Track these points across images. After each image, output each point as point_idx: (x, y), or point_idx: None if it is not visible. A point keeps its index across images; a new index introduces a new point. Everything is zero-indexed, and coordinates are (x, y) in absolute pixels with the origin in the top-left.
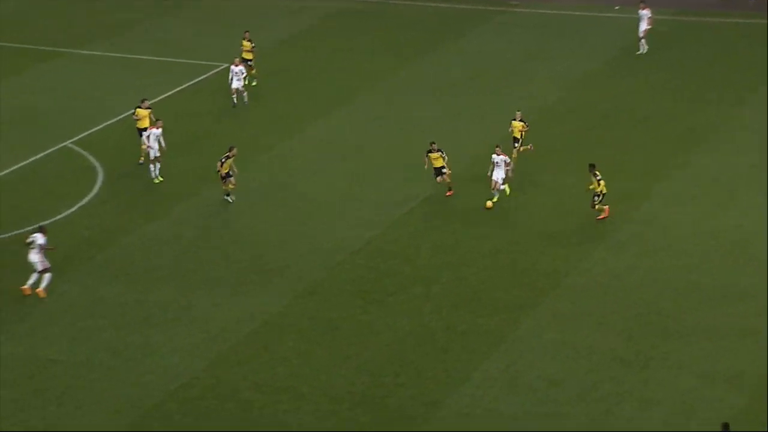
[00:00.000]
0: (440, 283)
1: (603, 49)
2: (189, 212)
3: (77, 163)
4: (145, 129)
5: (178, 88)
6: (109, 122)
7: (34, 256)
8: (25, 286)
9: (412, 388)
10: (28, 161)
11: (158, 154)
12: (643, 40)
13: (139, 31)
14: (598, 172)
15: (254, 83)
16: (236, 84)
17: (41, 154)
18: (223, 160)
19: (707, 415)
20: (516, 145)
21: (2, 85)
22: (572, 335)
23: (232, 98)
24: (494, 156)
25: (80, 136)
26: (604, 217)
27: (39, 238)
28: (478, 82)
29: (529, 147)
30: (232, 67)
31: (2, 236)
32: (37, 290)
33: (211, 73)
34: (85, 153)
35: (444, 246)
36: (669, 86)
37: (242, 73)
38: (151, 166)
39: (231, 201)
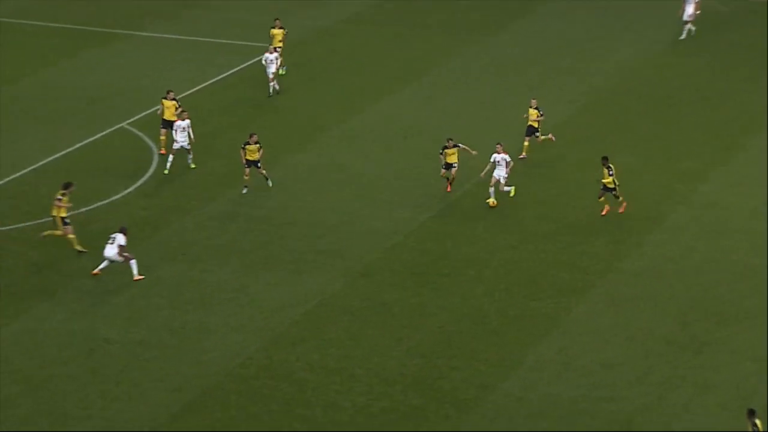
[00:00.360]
0: (494, 265)
1: (665, 31)
2: (248, 193)
3: (134, 144)
4: (170, 122)
5: (236, 69)
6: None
7: (110, 251)
8: (96, 271)
9: (464, 370)
10: (86, 141)
11: (188, 147)
12: (689, 25)
13: (197, 12)
14: (611, 165)
15: (283, 71)
16: (271, 71)
17: (99, 135)
18: (244, 146)
19: (764, 400)
20: (536, 134)
21: (62, 66)
22: (627, 319)
23: (269, 86)
24: (495, 155)
25: (137, 117)
26: (622, 212)
27: (120, 239)
28: (538, 64)
29: (549, 137)
30: (267, 54)
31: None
32: (135, 279)
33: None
34: (141, 134)
35: (498, 228)
36: (729, 67)
37: (276, 60)
38: (169, 156)
39: (270, 184)
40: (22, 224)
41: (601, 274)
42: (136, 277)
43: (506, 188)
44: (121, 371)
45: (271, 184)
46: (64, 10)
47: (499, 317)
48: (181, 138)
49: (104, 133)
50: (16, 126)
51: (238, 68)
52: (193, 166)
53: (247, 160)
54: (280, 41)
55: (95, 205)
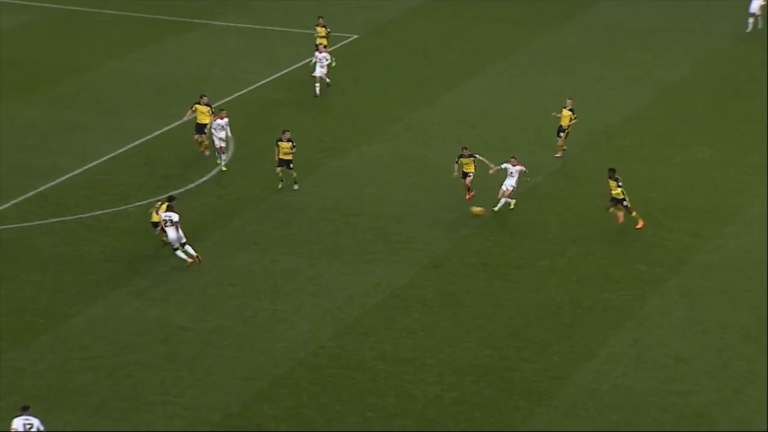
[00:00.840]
0: (566, 257)
1: (731, 23)
2: (316, 183)
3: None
4: (203, 125)
5: (306, 60)
6: (240, 93)
7: (173, 234)
8: (192, 259)
9: (536, 362)
10: (162, 130)
11: (223, 144)
12: (756, 18)
13: (268, 2)
14: (618, 177)
15: (333, 64)
16: (319, 71)
17: (175, 123)
18: (277, 143)
19: None
20: (561, 134)
21: (140, 54)
22: (702, 312)
23: (315, 87)
24: (509, 165)
25: (212, 106)
26: (640, 226)
27: (173, 216)
28: (604, 55)
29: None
30: (316, 53)
31: (139, 203)
32: (190, 261)
33: (340, 44)
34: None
35: (571, 220)
36: None
37: (326, 60)
38: (220, 155)
39: (296, 188)
40: (98, 212)
41: (675, 266)
42: (197, 259)
43: (509, 200)
44: (194, 358)
45: (297, 188)
46: (136, 1)
47: (571, 309)
48: (220, 136)
49: (178, 123)
50: (91, 116)
51: (308, 59)
52: (224, 168)
53: (279, 158)
54: (323, 38)
55: (169, 195)
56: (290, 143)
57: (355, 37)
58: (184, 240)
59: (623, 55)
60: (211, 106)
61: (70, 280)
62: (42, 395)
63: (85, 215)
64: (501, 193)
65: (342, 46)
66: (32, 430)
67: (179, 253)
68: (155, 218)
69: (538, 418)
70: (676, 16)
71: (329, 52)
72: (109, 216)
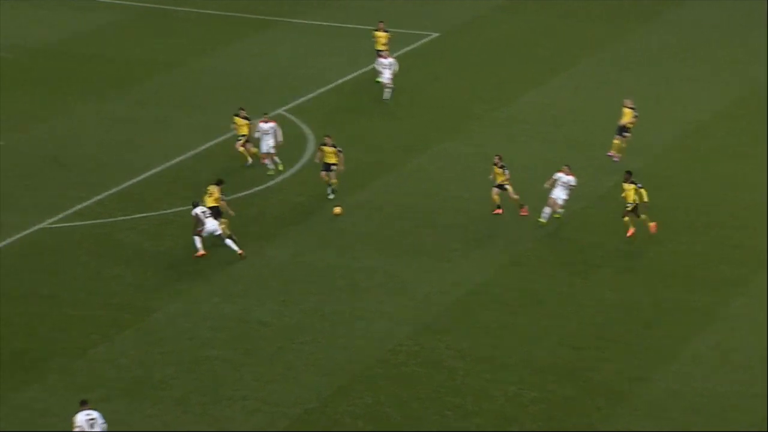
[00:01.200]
0: (648, 257)
1: None
2: (395, 182)
3: (289, 131)
4: (244, 135)
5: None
6: (320, 90)
7: (213, 225)
8: (240, 251)
9: (617, 362)
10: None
11: (272, 151)
12: None
13: (350, 0)
14: (635, 180)
15: (396, 69)
16: (384, 77)
17: (254, 121)
18: (321, 147)
19: None
20: (625, 134)
21: (221, 52)
22: None
23: (385, 92)
24: (560, 174)
25: (293, 104)
26: (653, 232)
27: (208, 212)
28: (694, 53)
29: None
30: (381, 59)
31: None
32: (241, 252)
33: (420, 42)
34: (296, 120)
35: (652, 219)
36: None
37: (391, 66)
38: (267, 161)
39: (331, 197)
40: (180, 208)
41: (758, 267)
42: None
43: (559, 210)
44: (274, 354)
45: (332, 197)
46: None
47: (652, 309)
48: (268, 142)
49: (258, 120)
50: (174, 112)
51: (391, 56)
52: (270, 172)
53: (324, 162)
54: (384, 44)
55: (251, 191)
56: (334, 148)
57: (437, 35)
58: (219, 232)
59: (714, 54)
60: (249, 119)
61: (152, 276)
62: (125, 388)
63: (168, 211)
64: (550, 202)
65: (422, 44)
66: (95, 423)
67: (228, 242)
68: (211, 202)
69: (618, 418)
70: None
71: (392, 57)
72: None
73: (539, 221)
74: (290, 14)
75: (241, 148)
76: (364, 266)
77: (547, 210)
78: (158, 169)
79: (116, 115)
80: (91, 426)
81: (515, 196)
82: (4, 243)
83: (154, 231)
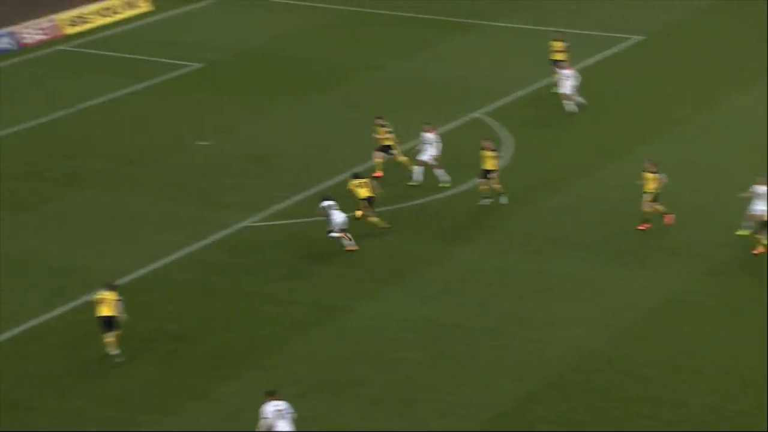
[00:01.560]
0: None
1: None
2: (592, 186)
3: (486, 134)
4: (386, 146)
5: (590, 60)
6: (518, 94)
7: (340, 217)
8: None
9: None
10: (440, 130)
11: (430, 161)
12: None
13: (552, 2)
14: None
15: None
16: (566, 88)
17: (452, 124)
18: (482, 151)
19: None
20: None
21: (419, 55)
22: None
23: (571, 103)
24: (757, 187)
25: (490, 108)
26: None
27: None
28: None
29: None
30: (561, 70)
31: (415, 202)
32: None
33: (624, 45)
34: (494, 123)
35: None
36: None
37: (571, 77)
38: (417, 168)
39: (486, 203)
40: (381, 208)
41: None
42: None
43: (753, 224)
44: (467, 357)
45: (504, 201)
46: (423, 2)
47: None
48: (429, 152)
49: (456, 123)
50: (372, 114)
51: (593, 59)
52: (441, 184)
53: (483, 169)
54: (560, 53)
55: (445, 194)
56: (494, 152)
57: (641, 38)
58: (345, 227)
59: None
60: (386, 127)
61: (348, 275)
62: (320, 386)
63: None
64: (748, 218)
65: (627, 46)
66: (284, 414)
67: (334, 235)
68: (363, 193)
69: None
70: None
71: (571, 68)
72: (387, 214)
73: (740, 233)
74: (490, 17)
75: (379, 160)
76: (559, 271)
77: (748, 222)
78: (352, 170)
79: (317, 116)
80: (281, 416)
81: (659, 207)
82: (210, 240)
83: (349, 231)
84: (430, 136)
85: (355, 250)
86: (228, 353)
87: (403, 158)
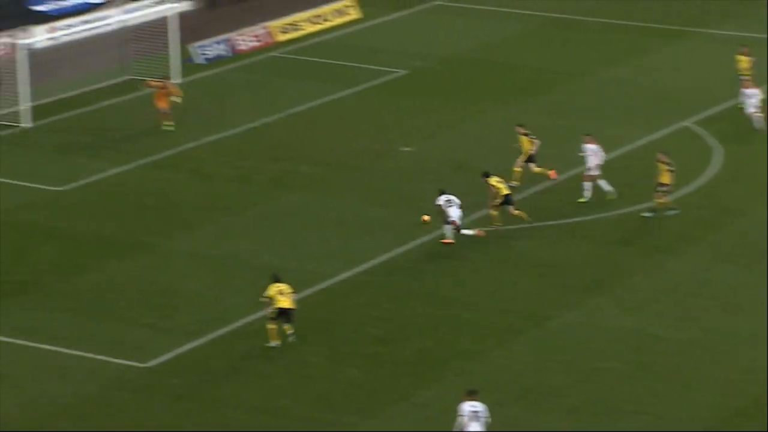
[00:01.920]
0: None
1: None
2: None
3: (694, 143)
4: (531, 156)
5: None
6: (729, 103)
7: (456, 213)
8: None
9: None
10: (647, 139)
11: (593, 173)
12: None
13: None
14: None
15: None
16: (751, 108)
17: (661, 132)
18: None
19: None
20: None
21: (630, 62)
22: None
23: (755, 120)
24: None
25: (699, 116)
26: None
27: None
28: None
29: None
30: (745, 90)
31: (620, 211)
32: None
33: None
34: (703, 132)
35: None
36: None
37: (756, 96)
38: (587, 183)
39: (648, 215)
40: (579, 219)
41: None
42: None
43: None
44: (670, 370)
45: (671, 213)
46: (633, 8)
47: None
48: (593, 161)
49: (665, 131)
50: (580, 122)
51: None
52: (608, 196)
53: (658, 182)
54: (746, 70)
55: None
56: (669, 165)
57: None
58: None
59: None
60: (530, 135)
61: (548, 284)
62: (519, 394)
63: (566, 221)
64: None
65: None
66: (479, 416)
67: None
68: (504, 190)
69: None
70: None
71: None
72: (589, 223)
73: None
74: (701, 25)
75: (518, 168)
76: (763, 284)
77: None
78: (561, 178)
79: (523, 123)
80: (475, 418)
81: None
82: (411, 245)
83: (551, 240)
84: (592, 147)
85: (452, 244)
86: (428, 358)
87: (537, 169)
